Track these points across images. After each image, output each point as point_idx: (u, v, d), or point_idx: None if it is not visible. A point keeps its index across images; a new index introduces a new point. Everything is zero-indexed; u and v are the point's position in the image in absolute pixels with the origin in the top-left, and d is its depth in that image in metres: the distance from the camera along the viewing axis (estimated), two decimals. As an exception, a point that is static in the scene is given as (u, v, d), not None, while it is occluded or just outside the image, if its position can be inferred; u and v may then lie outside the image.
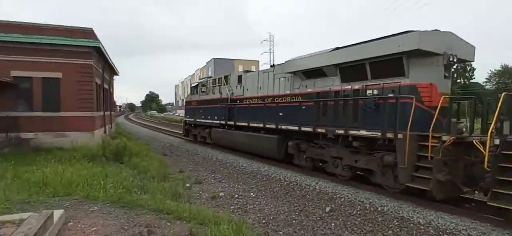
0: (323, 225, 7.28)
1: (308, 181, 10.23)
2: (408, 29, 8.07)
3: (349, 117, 9.41)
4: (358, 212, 7.62)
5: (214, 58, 76.52)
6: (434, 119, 7.34)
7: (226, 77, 17.56)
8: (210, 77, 21.38)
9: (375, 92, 8.85)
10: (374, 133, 8.46)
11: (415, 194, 8.14)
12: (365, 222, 7.14)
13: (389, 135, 8.08)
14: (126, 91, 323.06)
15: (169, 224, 5.45)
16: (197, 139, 21.28)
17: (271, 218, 7.77)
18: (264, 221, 7.55)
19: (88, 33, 17.02)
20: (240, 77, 16.17)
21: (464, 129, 7.82)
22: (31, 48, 15.58)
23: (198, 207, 7.39)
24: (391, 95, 8.29)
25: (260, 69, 15.94)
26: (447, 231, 6.24)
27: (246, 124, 14.49)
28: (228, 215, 6.48)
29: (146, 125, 46.98)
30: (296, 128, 11.32)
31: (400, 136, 7.76)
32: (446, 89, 8.31)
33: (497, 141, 6.37)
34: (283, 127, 12.06)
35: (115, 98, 38.83)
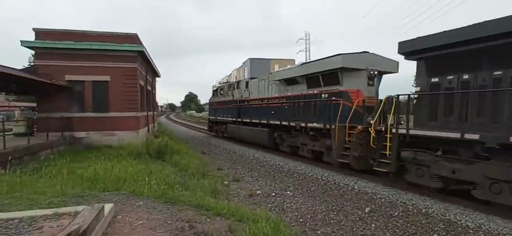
0: (363, 225, 7.06)
1: (346, 180, 9.99)
2: (337, 52, 11.94)
3: (309, 114, 12.92)
4: (400, 214, 7.30)
5: (250, 58, 76.84)
6: (350, 115, 10.71)
7: (237, 82, 21.67)
8: (227, 82, 25.27)
9: (326, 95, 12.02)
10: (320, 124, 11.84)
11: (458, 195, 7.65)
12: (408, 224, 6.82)
13: (327, 126, 11.35)
14: (167, 92, 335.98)
15: (209, 220, 5.58)
16: (218, 134, 25.37)
17: (309, 217, 7.68)
18: (301, 220, 7.48)
19: (133, 38, 17.95)
20: (247, 83, 19.96)
21: (371, 121, 10.02)
22: (82, 54, 16.75)
23: (236, 204, 7.50)
24: (334, 98, 11.41)
25: (256, 78, 19.61)
26: (500, 237, 5.78)
27: (249, 120, 18.33)
28: (266, 213, 6.50)
29: (185, 124, 48.56)
30: (278, 122, 14.74)
31: (332, 126, 10.99)
32: (370, 93, 11.40)
33: (383, 128, 9.37)
34: (271, 122, 15.55)
35: (157, 99, 40.80)
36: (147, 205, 6.14)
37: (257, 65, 70.49)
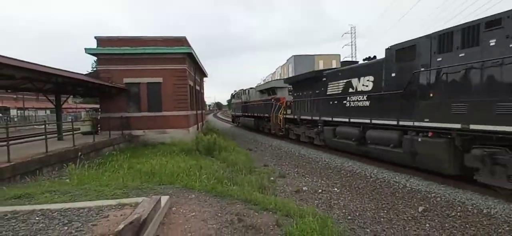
0: (416, 225, 6.68)
1: (397, 178, 9.53)
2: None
3: (266, 109, 23.09)
4: (458, 214, 6.79)
5: (294, 55, 76.08)
6: (276, 108, 20.74)
7: (244, 90, 33.96)
8: (242, 89, 35.84)
9: (274, 100, 21.54)
10: (268, 115, 22.39)
11: None
12: (467, 225, 6.32)
13: (270, 115, 21.87)
14: (215, 91, 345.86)
15: (256, 214, 5.69)
16: (237, 124, 39.08)
17: (357, 214, 7.46)
18: (349, 217, 7.30)
19: (181, 41, 18.76)
20: (249, 91, 31.92)
21: (283, 112, 20.12)
22: (138, 58, 17.91)
23: (283, 199, 7.53)
24: (273, 101, 21.72)
25: (253, 87, 31.72)
26: None
27: (247, 114, 31.13)
28: (313, 209, 6.46)
29: (231, 122, 49.53)
30: (257, 114, 26.66)
31: (271, 115, 21.49)
32: (289, 99, 19.97)
33: (288, 116, 19.42)
34: (255, 114, 27.32)
35: (205, 98, 42.91)
36: (199, 198, 6.42)
37: (301, 62, 69.71)
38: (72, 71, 15.07)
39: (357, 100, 12.03)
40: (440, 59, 8.45)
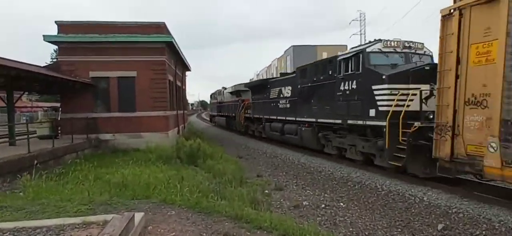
0: (435, 246, 6.77)
1: (413, 190, 9.62)
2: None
3: (234, 109, 31.44)
4: (483, 232, 6.90)
5: (293, 46, 76.24)
6: (240, 108, 28.83)
7: (220, 91, 42.15)
8: (220, 89, 43.22)
9: (240, 101, 29.53)
10: (234, 114, 31.08)
11: None
12: (494, 246, 6.42)
13: (236, 114, 30.46)
14: (199, 87, 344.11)
15: (248, 233, 5.69)
16: (213, 124, 48.63)
17: (366, 233, 7.54)
18: (357, 237, 7.36)
19: (160, 27, 18.65)
20: (223, 92, 39.50)
21: (247, 111, 27.62)
22: (107, 47, 17.73)
23: (280, 216, 7.55)
24: (239, 101, 29.94)
25: (226, 88, 39.45)
26: None
27: (221, 113, 40.00)
28: (315, 227, 6.49)
29: (209, 121, 49.51)
30: (227, 114, 35.83)
31: (236, 114, 29.96)
32: (251, 100, 26.91)
33: (247, 115, 28.14)
34: (226, 114, 36.12)
35: (187, 96, 43.59)
36: (180, 215, 6.40)
37: (301, 53, 69.76)
38: (27, 62, 14.89)
39: (283, 103, 19.42)
40: (315, 79, 15.40)
